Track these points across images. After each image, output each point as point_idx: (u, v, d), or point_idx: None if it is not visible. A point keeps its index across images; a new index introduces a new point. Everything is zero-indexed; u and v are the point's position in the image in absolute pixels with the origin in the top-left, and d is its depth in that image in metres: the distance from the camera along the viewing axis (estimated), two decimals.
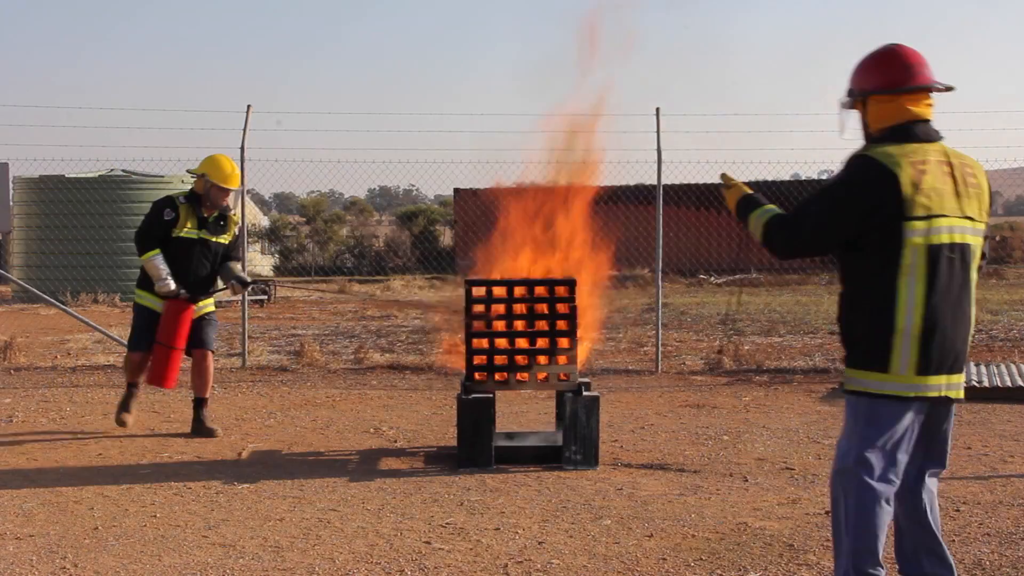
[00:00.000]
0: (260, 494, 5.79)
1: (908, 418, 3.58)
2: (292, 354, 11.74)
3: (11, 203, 12.29)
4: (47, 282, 18.14)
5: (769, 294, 20.65)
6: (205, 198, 7.35)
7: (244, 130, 10.91)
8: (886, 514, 3.60)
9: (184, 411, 8.49)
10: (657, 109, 10.76)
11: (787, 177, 20.05)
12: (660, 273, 11.05)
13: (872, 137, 3.69)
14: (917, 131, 3.61)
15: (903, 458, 3.62)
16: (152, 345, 7.32)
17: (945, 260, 3.52)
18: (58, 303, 12.37)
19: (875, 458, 3.58)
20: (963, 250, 3.56)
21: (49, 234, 20.30)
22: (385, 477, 6.19)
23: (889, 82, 3.62)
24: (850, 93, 3.75)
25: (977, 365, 9.82)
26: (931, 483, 3.78)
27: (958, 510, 5.39)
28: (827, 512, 5.33)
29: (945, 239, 3.51)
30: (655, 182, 10.97)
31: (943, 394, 3.59)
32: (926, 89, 3.64)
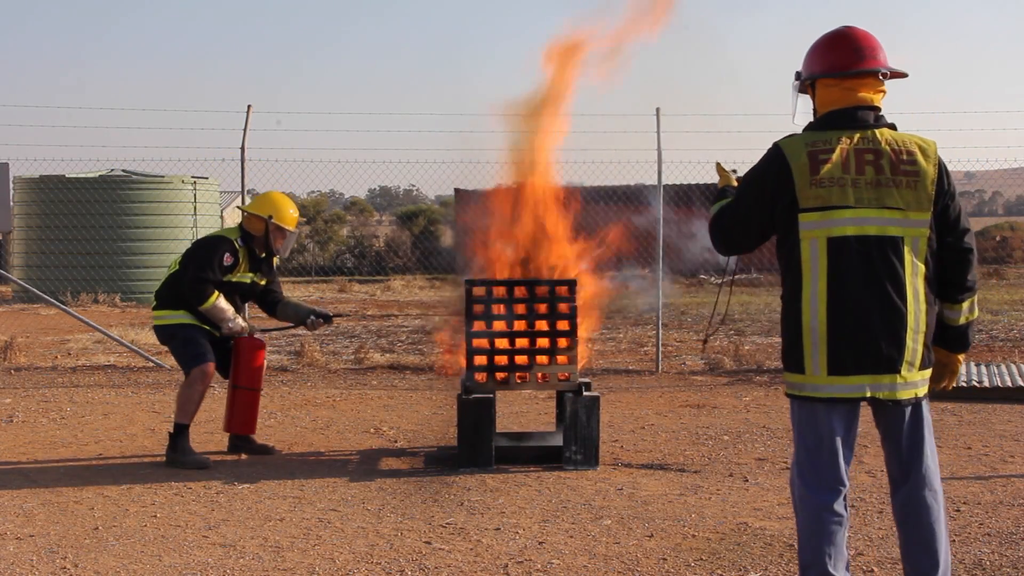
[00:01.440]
0: (260, 494, 5.79)
1: (836, 421, 3.42)
2: (292, 354, 11.74)
3: (11, 203, 12.28)
4: (47, 282, 18.13)
5: (769, 294, 20.64)
6: (263, 239, 6.80)
7: (244, 130, 10.91)
8: (832, 526, 3.42)
9: None
10: (657, 109, 10.76)
11: None
12: (660, 273, 11.05)
13: (811, 124, 3.58)
14: (851, 116, 3.46)
15: (844, 463, 3.45)
16: (215, 358, 6.63)
17: (854, 254, 3.34)
18: (58, 303, 12.37)
19: (811, 466, 3.46)
20: (882, 243, 3.35)
21: (49, 234, 20.30)
22: (385, 477, 6.19)
23: (835, 65, 3.48)
24: (798, 76, 3.64)
25: (977, 365, 9.82)
26: (918, 495, 3.50)
27: (958, 510, 5.39)
28: None
29: (850, 231, 3.35)
30: (655, 182, 10.97)
31: (869, 395, 3.38)
32: (872, 73, 3.48)
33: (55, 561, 4.65)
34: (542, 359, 6.49)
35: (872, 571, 4.48)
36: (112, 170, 21.32)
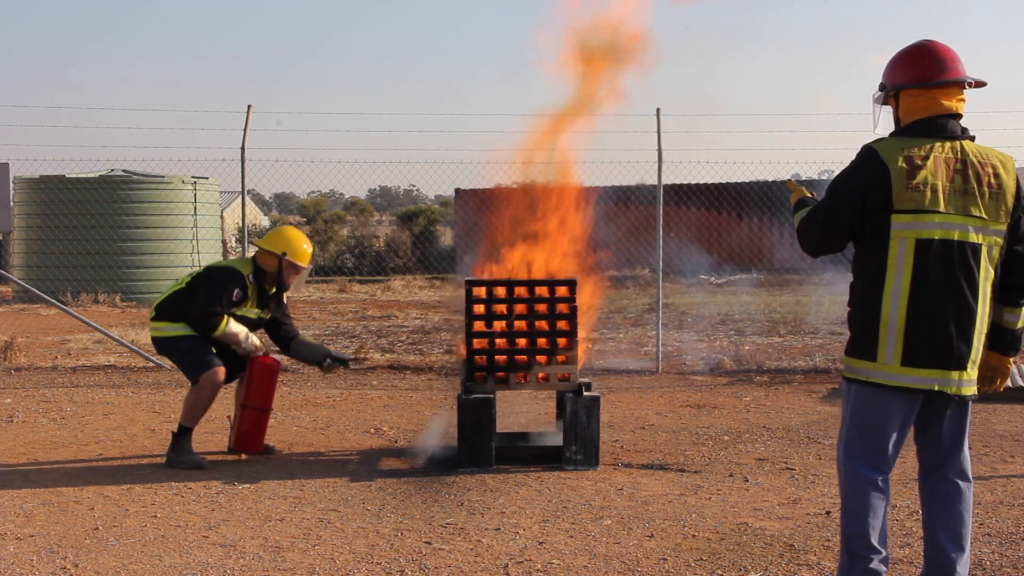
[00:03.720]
0: (260, 494, 5.79)
1: (896, 409, 3.62)
2: None
3: (11, 203, 12.27)
4: (47, 282, 18.13)
5: (769, 294, 20.64)
6: (275, 275, 6.73)
7: (244, 130, 10.91)
8: (875, 500, 3.63)
9: None
10: (657, 109, 10.76)
11: (787, 177, 20.05)
12: (660, 273, 11.05)
13: (899, 131, 3.74)
14: (942, 126, 3.64)
15: (893, 448, 3.65)
16: (222, 362, 6.57)
17: (937, 256, 3.54)
18: (58, 303, 12.36)
19: (862, 446, 3.66)
20: (963, 248, 3.56)
21: (49, 234, 20.30)
22: (385, 477, 6.19)
23: (920, 76, 3.67)
24: (882, 87, 3.81)
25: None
26: (955, 481, 3.71)
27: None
28: (827, 512, 5.34)
29: (937, 235, 3.54)
30: (655, 182, 10.97)
31: (936, 388, 3.57)
32: (956, 83, 3.67)
33: (55, 561, 4.65)
34: (542, 359, 6.49)
35: None
36: (112, 170, 21.32)
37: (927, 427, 3.73)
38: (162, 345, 6.70)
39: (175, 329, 6.57)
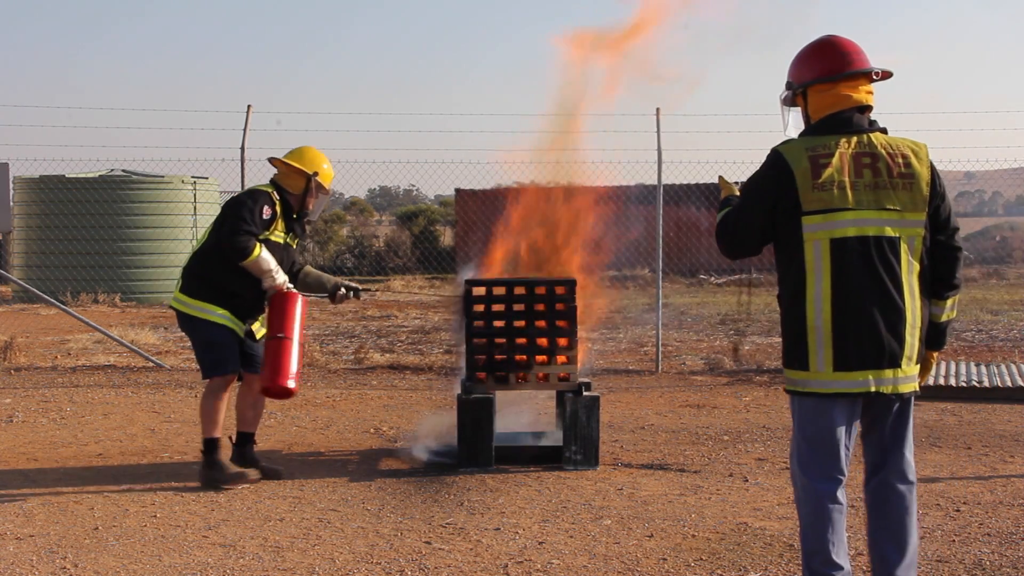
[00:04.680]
0: (260, 494, 5.79)
1: (838, 415, 3.56)
2: None
3: (11, 203, 12.28)
4: (47, 282, 18.12)
5: (769, 294, 20.65)
6: (300, 197, 6.20)
7: (244, 130, 10.91)
8: (834, 514, 3.56)
9: (185, 410, 8.50)
10: (657, 109, 10.76)
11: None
12: (660, 273, 11.04)
13: (807, 130, 3.69)
14: (847, 119, 3.59)
15: (844, 455, 3.59)
16: (239, 366, 6.11)
17: (855, 254, 3.48)
18: (58, 303, 12.37)
19: (812, 458, 3.60)
20: (880, 243, 3.49)
21: (49, 234, 20.30)
22: (385, 477, 6.19)
23: (826, 70, 3.62)
24: (789, 86, 3.75)
25: (977, 365, 9.82)
26: (893, 482, 3.64)
27: (958, 510, 5.38)
28: None
29: (851, 232, 3.49)
30: (655, 182, 10.97)
31: (873, 389, 3.50)
32: (863, 74, 3.63)
33: (55, 561, 4.65)
34: (542, 359, 6.49)
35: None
36: (112, 170, 21.32)
37: (870, 429, 3.67)
38: (185, 321, 6.08)
39: (203, 310, 5.97)
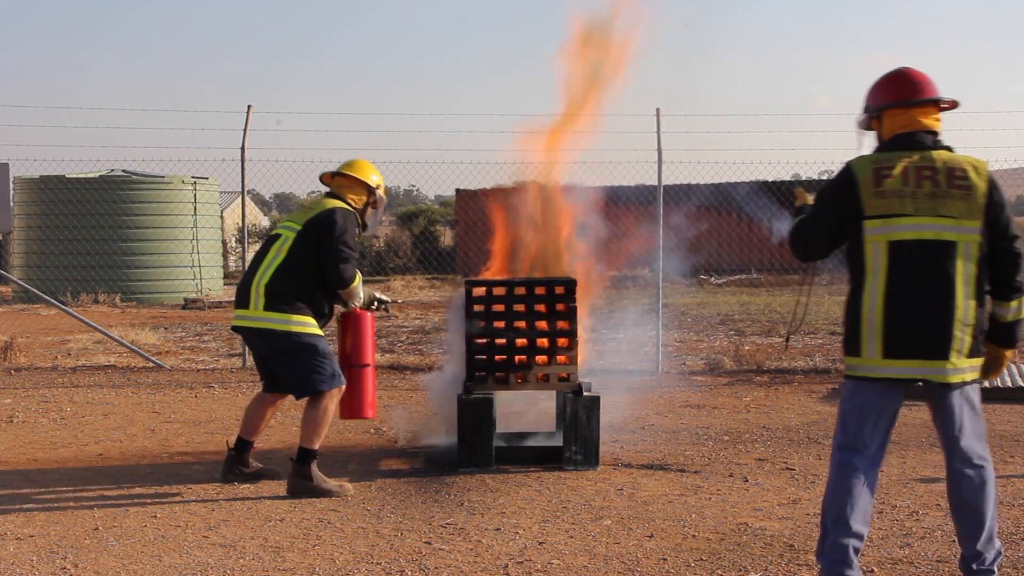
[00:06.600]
0: (260, 494, 5.79)
1: (876, 397, 3.94)
2: None
3: (11, 203, 12.28)
4: (47, 282, 18.14)
5: (769, 294, 20.65)
6: (361, 211, 6.09)
7: (244, 130, 10.91)
8: (852, 479, 3.92)
9: (185, 411, 8.51)
10: (657, 109, 10.75)
11: (787, 177, 20.04)
12: (660, 273, 11.04)
13: (881, 146, 4.11)
14: (911, 138, 4.01)
15: (870, 433, 3.95)
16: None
17: (912, 255, 3.87)
18: (58, 303, 12.37)
19: (843, 428, 4.02)
20: (937, 246, 3.86)
21: (49, 234, 20.31)
22: (385, 477, 6.19)
23: (901, 96, 4.06)
24: (867, 109, 4.18)
25: None
26: (960, 470, 3.97)
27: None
28: None
29: (909, 236, 3.88)
30: (655, 182, 10.97)
31: (917, 377, 3.87)
32: (933, 103, 4.06)
33: (55, 561, 4.65)
34: (542, 359, 6.49)
35: (872, 571, 4.47)
36: (112, 170, 21.33)
37: (935, 418, 4.03)
38: (275, 340, 5.75)
39: (301, 324, 5.73)
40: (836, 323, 14.66)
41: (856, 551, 3.89)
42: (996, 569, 4.05)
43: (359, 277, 5.93)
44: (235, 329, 6.01)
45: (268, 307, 5.75)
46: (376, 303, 6.35)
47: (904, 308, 3.86)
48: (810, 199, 4.39)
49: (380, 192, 6.17)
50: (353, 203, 6.05)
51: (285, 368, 5.82)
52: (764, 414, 8.29)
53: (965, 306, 3.87)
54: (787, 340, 7.34)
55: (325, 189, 6.27)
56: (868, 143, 4.22)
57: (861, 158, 4.04)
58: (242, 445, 6.12)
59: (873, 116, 4.16)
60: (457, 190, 27.47)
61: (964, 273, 3.88)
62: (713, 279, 24.40)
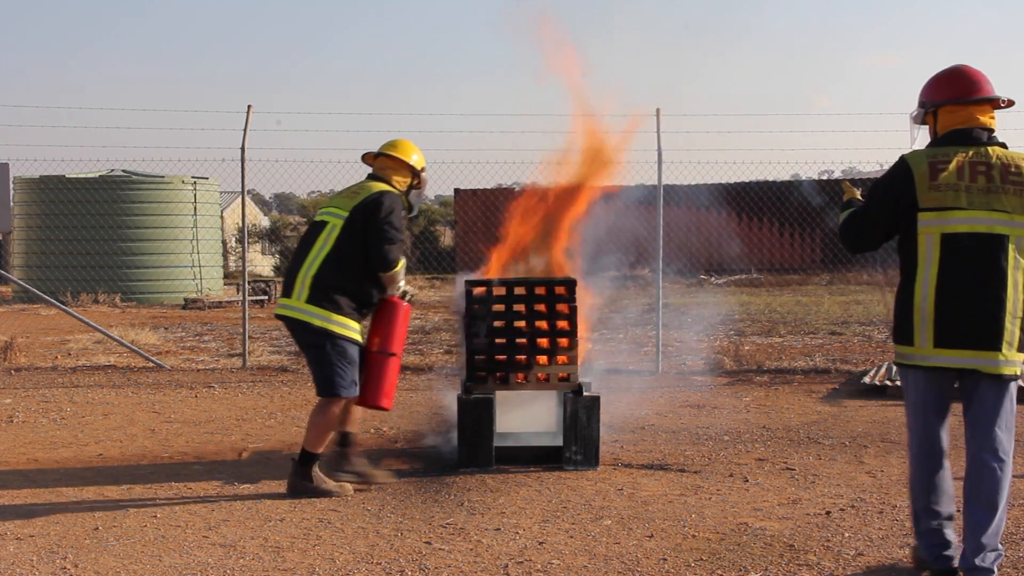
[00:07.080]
0: (260, 494, 5.79)
1: (932, 386, 4.08)
2: (292, 354, 11.73)
3: (11, 203, 12.28)
4: (47, 282, 18.15)
5: (769, 294, 20.65)
6: (405, 194, 6.04)
7: (244, 130, 10.91)
8: (928, 468, 4.11)
9: (185, 410, 8.51)
10: (657, 109, 10.75)
11: (787, 177, 20.05)
12: (660, 273, 11.04)
13: (932, 143, 4.19)
14: (966, 134, 4.09)
15: (935, 422, 4.11)
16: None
17: (963, 247, 3.94)
18: (58, 303, 12.37)
19: (914, 420, 4.17)
20: (989, 239, 3.94)
21: (49, 234, 20.32)
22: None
23: (958, 93, 4.13)
24: (923, 104, 4.24)
25: None
26: (983, 456, 4.05)
27: (958, 510, 5.37)
28: (827, 512, 5.34)
29: (962, 229, 3.95)
30: (655, 182, 10.97)
31: (967, 367, 3.96)
32: (989, 101, 4.14)
33: (55, 561, 4.65)
34: (542, 359, 6.49)
35: (872, 571, 4.47)
36: (112, 170, 21.34)
37: (968, 406, 4.11)
38: (312, 334, 5.68)
39: (341, 325, 5.65)
40: (836, 323, 14.68)
41: (950, 524, 4.14)
42: (996, 569, 4.05)
43: (403, 262, 5.81)
44: (278, 316, 5.91)
45: (311, 300, 5.66)
46: (405, 294, 6.16)
47: (956, 299, 3.94)
48: (857, 193, 4.48)
49: (424, 174, 6.11)
50: (398, 185, 5.97)
51: (312, 363, 5.79)
52: (764, 414, 8.29)
53: (1015, 298, 3.95)
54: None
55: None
56: (920, 137, 4.29)
57: (916, 152, 4.10)
58: (343, 439, 6.05)
59: (929, 111, 4.21)
60: (456, 190, 27.47)
61: (1015, 266, 3.95)
62: (713, 279, 24.40)
